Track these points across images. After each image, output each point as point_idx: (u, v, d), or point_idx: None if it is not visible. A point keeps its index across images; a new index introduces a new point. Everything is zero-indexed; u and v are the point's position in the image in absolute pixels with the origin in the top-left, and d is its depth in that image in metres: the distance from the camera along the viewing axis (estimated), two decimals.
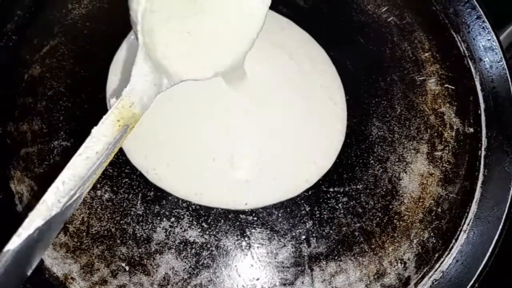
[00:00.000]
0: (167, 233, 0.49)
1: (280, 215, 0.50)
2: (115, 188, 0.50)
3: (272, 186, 0.51)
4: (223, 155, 0.52)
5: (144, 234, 0.49)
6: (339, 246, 0.49)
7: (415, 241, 0.50)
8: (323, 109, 0.54)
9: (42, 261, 0.48)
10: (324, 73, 0.55)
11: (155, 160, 0.51)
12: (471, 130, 0.53)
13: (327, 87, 0.54)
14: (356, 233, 0.50)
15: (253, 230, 0.49)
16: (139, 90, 0.43)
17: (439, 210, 0.51)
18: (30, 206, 0.48)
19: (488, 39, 0.53)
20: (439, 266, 0.49)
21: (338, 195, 0.51)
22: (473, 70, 0.54)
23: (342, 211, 0.50)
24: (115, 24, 0.55)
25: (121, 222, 0.49)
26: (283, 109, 0.54)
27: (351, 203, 0.51)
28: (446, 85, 0.54)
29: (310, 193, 0.51)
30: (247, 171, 0.51)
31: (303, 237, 0.49)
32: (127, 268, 0.48)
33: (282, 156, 0.52)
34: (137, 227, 0.49)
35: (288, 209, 0.50)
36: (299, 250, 0.49)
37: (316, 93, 0.54)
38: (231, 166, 0.51)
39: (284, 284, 0.48)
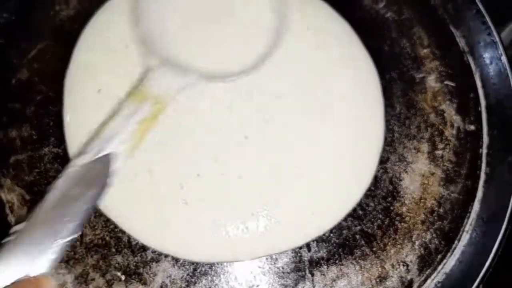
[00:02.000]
0: None
1: None
2: None
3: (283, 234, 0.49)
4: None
5: (140, 242, 0.47)
6: (340, 250, 0.48)
7: (417, 242, 0.49)
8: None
9: None
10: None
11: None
12: (472, 127, 0.52)
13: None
14: (357, 236, 0.49)
15: None
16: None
17: (441, 210, 0.50)
18: (21, 216, 0.47)
19: (488, 34, 0.52)
20: (442, 268, 0.48)
21: None
22: (473, 67, 0.53)
23: None
24: None
25: (115, 230, 0.48)
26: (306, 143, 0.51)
27: None
28: (446, 82, 0.52)
29: None
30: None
31: None
32: (123, 277, 0.47)
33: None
34: None
35: None
36: (299, 254, 0.48)
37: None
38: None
39: None
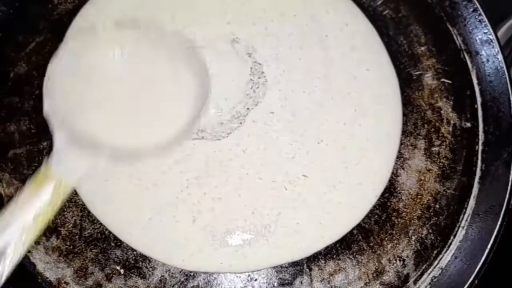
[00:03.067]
0: None
1: None
2: None
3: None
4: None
5: None
6: (338, 245, 0.49)
7: (413, 238, 0.50)
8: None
9: (34, 266, 0.47)
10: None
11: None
12: (468, 124, 0.52)
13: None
14: (355, 231, 0.49)
15: None
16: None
17: (437, 206, 0.50)
18: None
19: (485, 32, 0.52)
20: (438, 263, 0.49)
21: None
22: (469, 64, 0.53)
23: None
24: None
25: None
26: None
27: None
28: (442, 80, 0.53)
29: None
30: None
31: None
32: (122, 271, 0.47)
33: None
34: None
35: None
36: None
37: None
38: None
39: (283, 284, 0.48)
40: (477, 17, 0.53)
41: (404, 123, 0.52)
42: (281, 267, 0.48)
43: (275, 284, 0.48)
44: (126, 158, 0.45)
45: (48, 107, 0.44)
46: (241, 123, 0.50)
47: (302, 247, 0.49)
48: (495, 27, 0.53)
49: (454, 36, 0.54)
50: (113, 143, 0.44)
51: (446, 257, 0.49)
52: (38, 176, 0.41)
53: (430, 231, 0.50)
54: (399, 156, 0.51)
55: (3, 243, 0.39)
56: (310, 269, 0.48)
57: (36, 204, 0.40)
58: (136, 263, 0.47)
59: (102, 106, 0.46)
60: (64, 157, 0.42)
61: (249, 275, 0.48)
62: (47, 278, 0.47)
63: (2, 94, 0.50)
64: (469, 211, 0.50)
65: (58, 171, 0.42)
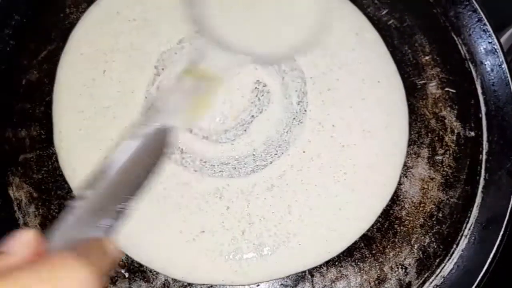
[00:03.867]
0: None
1: None
2: None
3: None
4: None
5: None
6: (340, 252, 0.49)
7: (416, 246, 0.50)
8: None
9: None
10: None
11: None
12: (472, 134, 0.52)
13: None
14: (357, 239, 0.50)
15: None
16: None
17: (440, 214, 0.51)
18: (28, 213, 0.48)
19: (489, 42, 0.53)
20: (440, 272, 0.49)
21: None
22: (474, 74, 0.53)
23: None
24: None
25: None
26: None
27: None
28: (446, 89, 0.53)
29: None
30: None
31: None
32: (126, 274, 0.48)
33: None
34: None
35: None
36: None
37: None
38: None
39: None
40: (481, 27, 0.53)
41: (408, 132, 0.52)
42: None
43: None
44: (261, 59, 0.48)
45: (190, 15, 0.45)
46: (245, 130, 0.50)
47: (306, 263, 0.49)
48: (499, 34, 0.53)
49: (459, 46, 0.54)
50: (247, 46, 0.45)
51: (449, 266, 0.49)
52: (192, 72, 0.44)
53: (432, 239, 0.50)
54: (403, 164, 0.52)
55: (169, 122, 0.41)
56: (312, 276, 0.49)
57: (194, 93, 0.43)
58: (141, 267, 0.48)
59: (230, 15, 0.47)
60: (212, 56, 0.44)
61: None
62: None
63: (14, 100, 0.52)
64: (472, 220, 0.50)
65: (209, 67, 0.44)
